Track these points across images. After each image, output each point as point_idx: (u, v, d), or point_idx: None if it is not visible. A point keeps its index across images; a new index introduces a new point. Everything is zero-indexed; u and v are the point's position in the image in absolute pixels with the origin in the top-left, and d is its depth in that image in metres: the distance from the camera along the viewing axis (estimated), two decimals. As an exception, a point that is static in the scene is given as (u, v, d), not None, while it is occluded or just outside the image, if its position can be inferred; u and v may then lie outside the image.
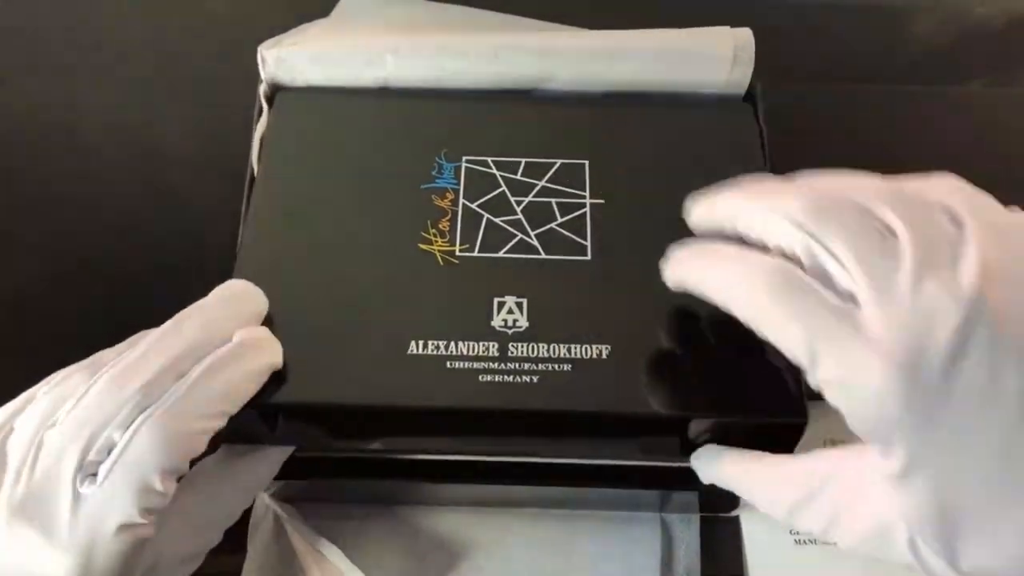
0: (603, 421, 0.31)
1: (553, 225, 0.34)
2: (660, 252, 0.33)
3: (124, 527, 0.25)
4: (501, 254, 0.33)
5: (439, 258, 0.33)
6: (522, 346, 0.31)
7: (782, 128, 0.38)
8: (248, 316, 0.30)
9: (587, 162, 0.36)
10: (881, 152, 0.39)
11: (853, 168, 0.38)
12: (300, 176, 0.35)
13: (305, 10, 0.42)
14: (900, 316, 0.21)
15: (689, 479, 0.37)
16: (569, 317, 0.32)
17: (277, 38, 0.39)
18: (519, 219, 0.34)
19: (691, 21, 0.39)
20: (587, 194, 0.35)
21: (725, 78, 0.38)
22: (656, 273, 0.33)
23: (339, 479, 0.38)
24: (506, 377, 0.31)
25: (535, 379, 0.30)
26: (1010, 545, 0.21)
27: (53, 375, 0.28)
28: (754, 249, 0.25)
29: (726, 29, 0.38)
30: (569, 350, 0.31)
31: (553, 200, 0.35)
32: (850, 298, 0.22)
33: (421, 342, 0.31)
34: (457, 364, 0.31)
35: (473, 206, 0.34)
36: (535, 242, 0.34)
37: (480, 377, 0.31)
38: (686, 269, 0.28)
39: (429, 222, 0.34)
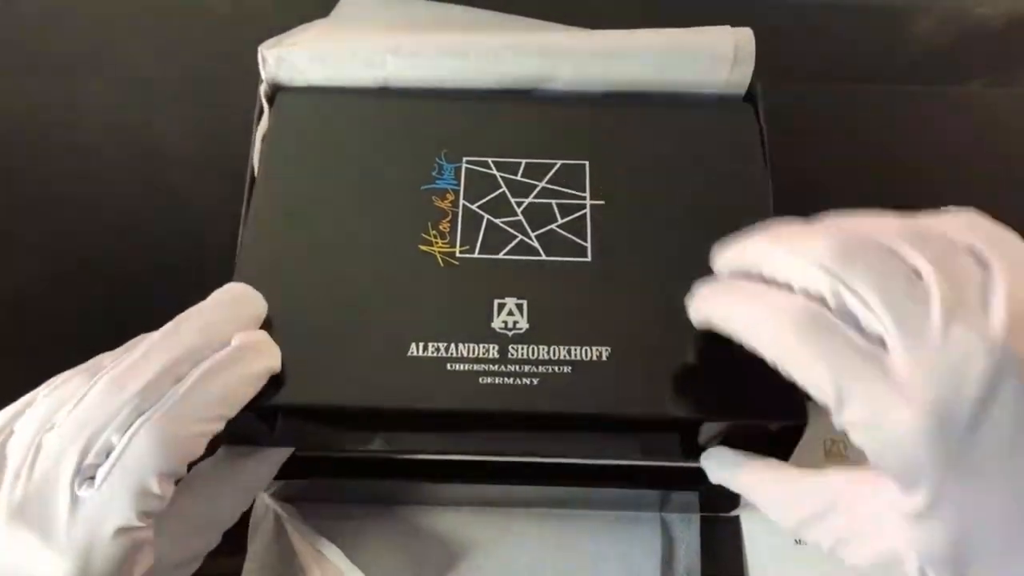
0: (603, 423, 0.31)
1: (553, 226, 0.34)
2: (660, 253, 0.34)
3: (122, 530, 0.25)
4: (501, 255, 0.33)
5: (439, 259, 0.33)
6: (522, 348, 0.31)
7: (782, 128, 0.38)
8: (247, 320, 0.30)
9: (587, 163, 0.36)
10: (881, 152, 0.39)
11: (852, 168, 0.38)
12: (300, 176, 0.35)
13: (305, 10, 0.42)
14: (929, 362, 0.21)
15: (689, 479, 0.37)
16: (569, 319, 0.32)
17: (277, 38, 0.39)
18: (519, 220, 0.34)
19: (691, 21, 0.39)
20: (587, 195, 0.35)
21: (725, 78, 0.38)
22: (655, 274, 0.33)
23: (339, 479, 0.38)
24: (506, 379, 0.31)
25: (535, 381, 0.30)
26: None
27: (53, 378, 0.28)
28: (781, 289, 0.25)
29: (726, 29, 0.38)
30: (569, 352, 0.31)
31: (553, 201, 0.35)
32: (878, 341, 0.22)
33: (421, 344, 0.31)
34: (457, 366, 0.31)
35: (473, 207, 0.34)
36: (535, 243, 0.34)
37: (480, 379, 0.30)
38: (711, 306, 0.28)
39: (429, 223, 0.34)
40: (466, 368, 0.31)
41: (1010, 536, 0.21)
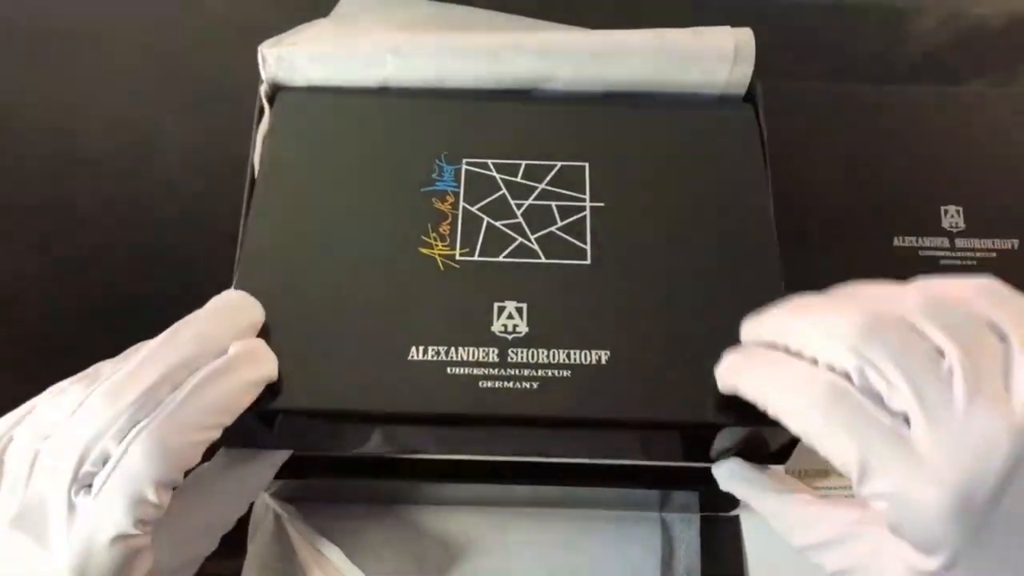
0: (603, 427, 0.31)
1: (553, 229, 0.34)
2: (659, 256, 0.33)
3: (119, 538, 0.25)
4: (501, 258, 0.33)
5: (440, 263, 0.33)
6: (522, 352, 0.31)
7: (782, 128, 0.38)
8: (244, 327, 0.30)
9: (587, 164, 0.36)
10: (880, 152, 0.39)
11: (852, 168, 0.38)
12: (301, 177, 0.35)
13: (305, 10, 0.42)
14: (953, 442, 0.22)
15: (689, 479, 0.37)
16: (569, 322, 0.32)
17: (277, 38, 0.39)
18: (519, 223, 0.34)
19: (691, 21, 0.39)
20: (587, 197, 0.35)
21: (725, 78, 0.38)
22: (655, 277, 0.33)
23: (339, 479, 0.38)
24: (506, 383, 0.30)
25: (535, 385, 0.30)
26: None
27: (53, 387, 0.28)
28: (806, 362, 0.26)
29: (726, 29, 0.38)
30: (568, 356, 0.31)
31: (553, 203, 0.35)
32: (902, 417, 0.23)
33: (422, 348, 0.31)
34: (457, 370, 0.31)
35: (473, 209, 0.34)
36: (535, 246, 0.34)
37: (480, 383, 0.30)
38: (739, 375, 0.28)
39: (430, 225, 0.34)
40: (466, 372, 0.31)
41: None
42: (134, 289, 0.46)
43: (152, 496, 0.25)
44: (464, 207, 0.34)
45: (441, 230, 0.34)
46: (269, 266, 0.33)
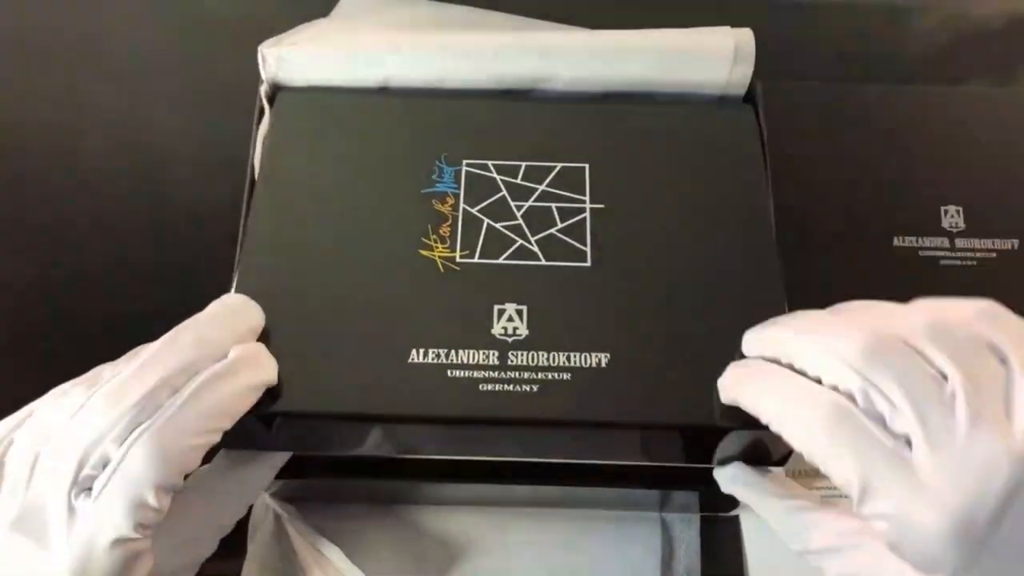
0: (603, 430, 0.31)
1: (553, 231, 0.34)
2: (659, 258, 0.33)
3: (118, 542, 0.25)
4: (501, 260, 0.33)
5: (440, 265, 0.33)
6: (522, 354, 0.31)
7: (782, 128, 0.38)
8: (244, 332, 0.30)
9: (587, 166, 0.36)
10: (881, 152, 0.39)
11: (852, 168, 0.38)
12: (301, 178, 0.35)
13: (305, 10, 0.42)
14: (954, 466, 0.23)
15: (689, 479, 0.37)
16: (568, 325, 0.32)
17: (277, 38, 0.39)
18: (519, 224, 0.34)
19: (691, 21, 0.39)
20: (587, 199, 0.35)
21: (725, 78, 0.38)
22: (654, 280, 0.33)
23: (339, 479, 0.38)
24: (506, 386, 0.30)
25: (535, 388, 0.30)
26: None
27: (53, 390, 0.28)
28: (810, 381, 0.26)
29: (726, 29, 0.38)
30: (568, 358, 0.31)
31: (553, 205, 0.35)
32: (904, 439, 0.24)
33: (422, 350, 0.31)
34: (457, 373, 0.31)
35: (473, 211, 0.34)
36: (535, 248, 0.34)
37: (480, 386, 0.30)
38: (742, 390, 0.28)
39: (430, 227, 0.34)
40: (466, 375, 0.31)
41: None
42: (134, 289, 0.46)
43: (152, 500, 0.25)
44: (464, 209, 0.34)
45: (441, 232, 0.34)
46: (269, 268, 0.33)
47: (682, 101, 0.39)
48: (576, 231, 0.34)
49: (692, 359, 0.31)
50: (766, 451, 0.32)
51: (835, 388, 0.25)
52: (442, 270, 0.33)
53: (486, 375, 0.31)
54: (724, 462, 0.33)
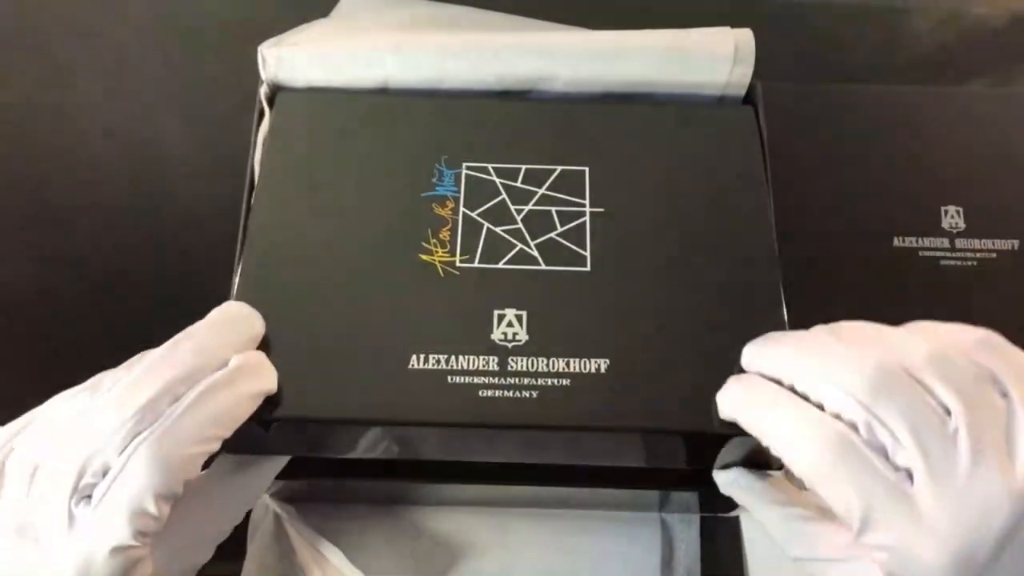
0: (602, 436, 0.31)
1: (553, 235, 0.34)
2: (659, 262, 0.33)
3: (117, 550, 0.25)
4: (501, 265, 0.33)
5: (440, 269, 0.33)
6: (522, 360, 0.31)
7: (782, 128, 0.38)
8: (244, 340, 0.30)
9: (587, 169, 0.35)
10: (881, 152, 0.39)
11: (852, 168, 0.38)
12: (301, 181, 0.35)
13: (305, 10, 0.42)
14: (955, 502, 0.23)
15: (689, 479, 0.37)
16: (568, 330, 0.32)
17: (277, 38, 0.39)
18: (519, 228, 0.34)
19: (691, 21, 0.39)
20: (587, 203, 0.35)
21: (725, 79, 0.38)
22: (654, 285, 0.33)
23: (339, 479, 0.38)
24: (506, 392, 0.30)
25: (534, 394, 0.30)
26: None
27: (54, 397, 0.28)
28: (812, 407, 0.26)
29: (726, 29, 0.38)
30: (568, 364, 0.31)
31: (553, 208, 0.34)
32: (905, 472, 0.24)
33: (422, 356, 0.31)
34: (457, 379, 0.31)
35: (473, 215, 0.34)
36: (535, 252, 0.33)
37: (480, 392, 0.30)
38: (743, 410, 0.28)
39: (430, 231, 0.34)
40: (466, 381, 0.31)
41: None
42: (134, 290, 0.46)
43: (152, 508, 0.25)
44: (464, 212, 0.34)
45: (441, 236, 0.34)
46: (269, 272, 0.33)
47: (682, 102, 0.39)
48: (576, 235, 0.34)
49: (692, 364, 0.31)
50: (766, 457, 0.32)
51: (838, 416, 0.25)
52: (442, 275, 0.33)
53: (486, 381, 0.31)
54: (725, 467, 0.33)
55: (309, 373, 0.31)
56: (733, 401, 0.29)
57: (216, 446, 0.27)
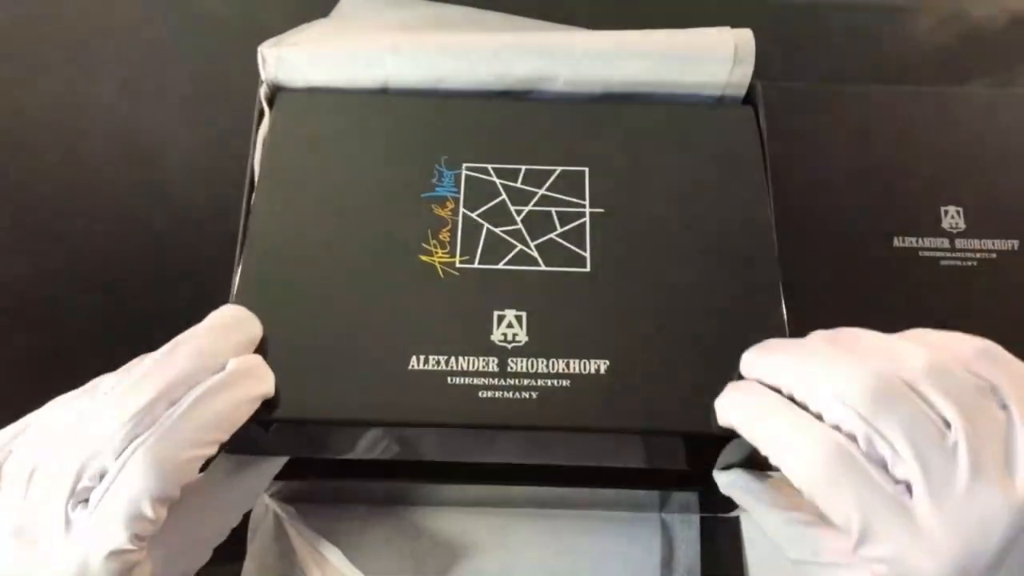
0: (602, 437, 0.31)
1: (553, 235, 0.34)
2: (658, 263, 0.33)
3: (114, 553, 0.25)
4: (501, 265, 0.33)
5: (440, 270, 0.33)
6: (521, 361, 0.31)
7: (782, 128, 0.38)
8: (242, 344, 0.30)
9: (587, 169, 0.35)
10: (881, 152, 0.39)
11: (852, 168, 0.38)
12: (301, 181, 0.35)
13: (305, 10, 0.42)
14: (954, 516, 0.23)
15: (689, 480, 0.37)
16: (568, 331, 0.32)
17: (277, 38, 0.39)
18: (519, 229, 0.34)
19: (691, 21, 0.39)
20: (587, 203, 0.35)
21: (725, 79, 0.38)
22: (653, 285, 0.33)
23: (339, 480, 0.38)
24: (506, 393, 0.30)
25: (534, 395, 0.30)
26: None
27: (52, 401, 0.28)
28: (811, 416, 0.26)
29: (726, 29, 0.38)
30: (568, 365, 0.31)
31: (553, 209, 0.34)
32: (904, 485, 0.24)
33: (422, 357, 0.31)
34: (457, 380, 0.31)
35: (473, 215, 0.34)
36: (535, 253, 0.33)
37: (480, 393, 0.30)
38: (742, 419, 0.28)
39: (430, 232, 0.34)
40: (466, 382, 0.31)
41: None
42: (134, 290, 0.46)
43: (149, 512, 0.25)
44: (464, 213, 0.34)
45: (441, 237, 0.34)
46: (269, 272, 0.33)
47: (682, 102, 0.39)
48: (576, 236, 0.34)
49: (692, 364, 0.31)
50: (766, 458, 0.32)
51: (837, 428, 0.25)
52: (442, 275, 0.33)
53: (486, 382, 0.31)
54: (725, 467, 0.33)
55: (309, 373, 0.31)
56: (731, 409, 0.29)
57: (213, 450, 0.27)
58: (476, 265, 0.33)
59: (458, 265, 0.33)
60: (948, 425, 0.24)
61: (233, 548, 0.38)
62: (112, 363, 0.29)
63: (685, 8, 0.43)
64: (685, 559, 0.41)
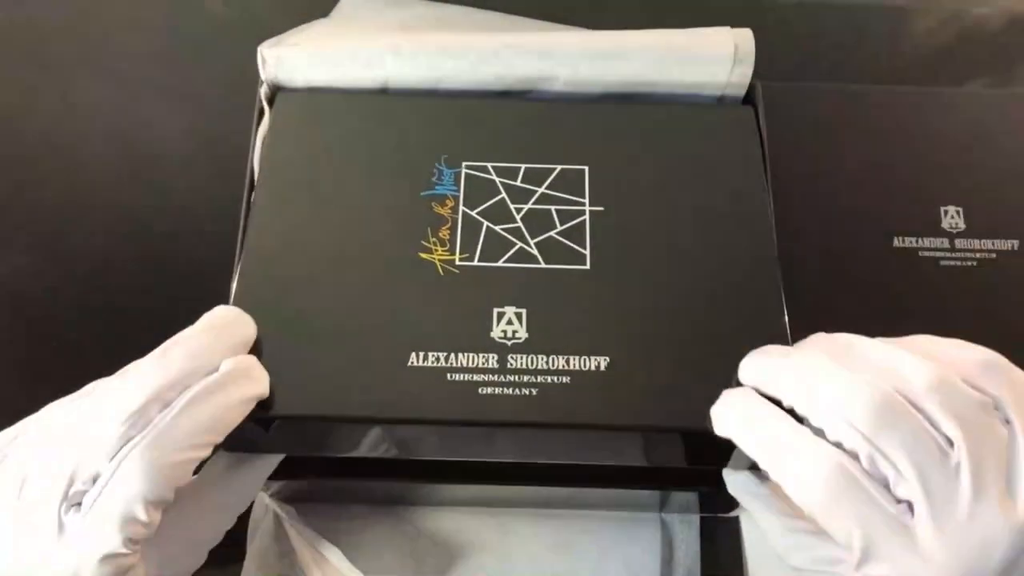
0: (602, 434, 0.31)
1: (552, 233, 0.34)
2: (658, 261, 0.33)
3: (107, 557, 0.25)
4: (500, 263, 0.33)
5: (439, 268, 0.33)
6: (521, 358, 0.31)
7: (782, 129, 0.38)
8: (236, 344, 0.30)
9: (587, 168, 0.35)
10: (881, 152, 0.39)
11: (852, 168, 0.38)
12: (301, 180, 0.35)
13: (305, 10, 0.42)
14: (956, 537, 0.23)
15: (689, 479, 0.37)
16: (568, 328, 0.32)
17: (277, 38, 0.39)
18: (519, 227, 0.34)
19: (691, 21, 0.39)
20: (586, 201, 0.35)
21: (725, 79, 0.38)
22: (653, 283, 0.33)
23: (339, 480, 0.38)
24: (505, 390, 0.30)
25: (534, 392, 0.30)
26: None
27: (49, 405, 0.28)
28: (811, 431, 0.26)
29: (726, 29, 0.38)
30: (567, 362, 0.31)
31: (553, 207, 0.35)
32: (906, 504, 0.24)
33: (422, 354, 0.31)
34: (457, 376, 0.31)
35: (473, 213, 0.34)
36: (534, 251, 0.33)
37: (480, 390, 0.30)
38: (741, 431, 0.28)
39: (429, 230, 0.34)
40: (466, 378, 0.31)
41: None
42: (133, 290, 0.46)
43: (142, 515, 0.25)
44: (464, 211, 0.34)
45: (441, 235, 0.34)
46: (269, 270, 0.33)
47: (681, 102, 0.39)
48: (575, 234, 0.34)
49: (691, 362, 0.31)
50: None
51: (838, 445, 0.25)
52: (442, 273, 0.33)
53: (485, 378, 0.31)
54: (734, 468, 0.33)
55: (309, 370, 0.31)
56: (729, 419, 0.28)
57: (207, 452, 0.27)
58: (476, 263, 0.33)
59: (458, 263, 0.33)
60: (951, 443, 0.24)
61: (231, 551, 0.38)
62: (112, 363, 0.29)
63: (685, 8, 0.43)
64: (685, 559, 0.41)
